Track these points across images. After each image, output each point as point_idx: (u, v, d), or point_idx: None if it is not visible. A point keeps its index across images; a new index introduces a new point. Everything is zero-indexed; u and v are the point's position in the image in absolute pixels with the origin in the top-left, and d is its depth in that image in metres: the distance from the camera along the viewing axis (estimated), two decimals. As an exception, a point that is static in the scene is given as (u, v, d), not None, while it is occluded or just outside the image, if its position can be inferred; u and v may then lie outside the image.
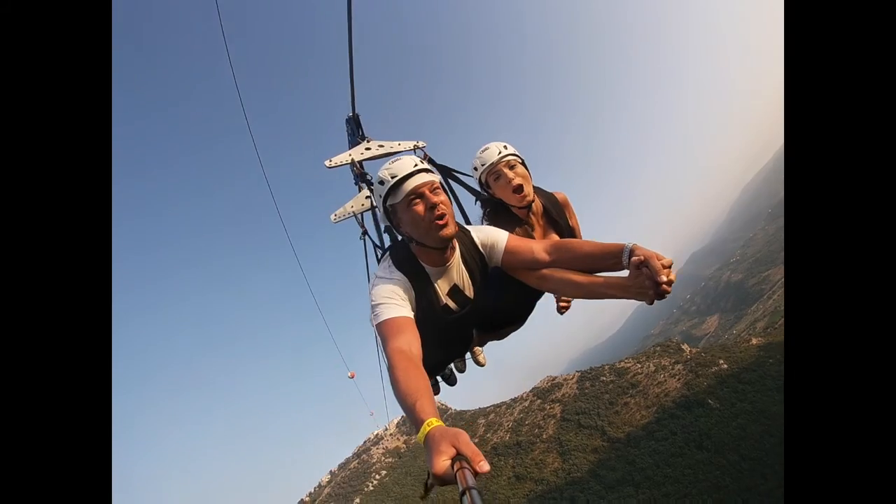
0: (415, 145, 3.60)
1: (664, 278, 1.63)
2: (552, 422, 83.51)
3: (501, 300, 2.44)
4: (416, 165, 1.99)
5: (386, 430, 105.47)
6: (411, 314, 1.91)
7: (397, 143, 3.61)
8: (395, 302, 1.88)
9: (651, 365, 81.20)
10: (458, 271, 2.17)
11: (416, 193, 1.94)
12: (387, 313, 1.83)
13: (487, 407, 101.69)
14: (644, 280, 1.70)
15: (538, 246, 2.11)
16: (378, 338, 1.88)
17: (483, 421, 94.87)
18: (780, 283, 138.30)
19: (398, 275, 1.99)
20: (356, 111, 3.59)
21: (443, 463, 1.09)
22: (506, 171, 2.55)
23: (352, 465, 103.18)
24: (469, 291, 2.22)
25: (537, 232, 2.73)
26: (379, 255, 2.62)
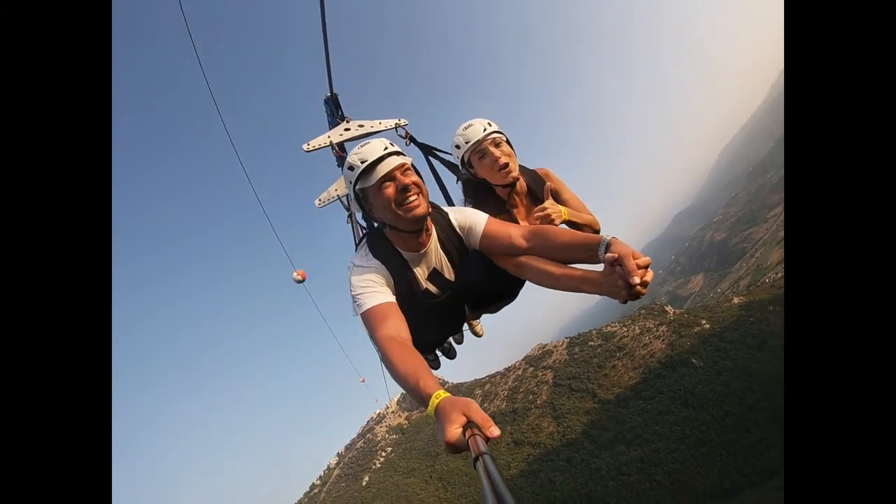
0: (396, 123, 3.46)
1: (637, 280, 1.50)
2: (545, 388, 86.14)
3: (491, 278, 2.35)
4: (385, 149, 1.94)
5: (387, 408, 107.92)
6: (393, 299, 1.89)
7: (378, 121, 3.46)
8: (375, 289, 1.86)
9: (636, 328, 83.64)
10: (436, 255, 2.13)
11: (388, 177, 1.90)
12: (369, 302, 1.82)
13: (483, 378, 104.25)
14: (617, 279, 1.59)
15: (516, 231, 2.05)
16: (364, 327, 1.88)
17: (479, 392, 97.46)
18: (762, 240, 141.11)
19: (375, 262, 1.96)
20: (334, 91, 3.46)
21: (454, 431, 1.10)
22: (491, 149, 2.43)
23: (358, 446, 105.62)
24: (449, 274, 2.18)
25: (521, 212, 2.64)
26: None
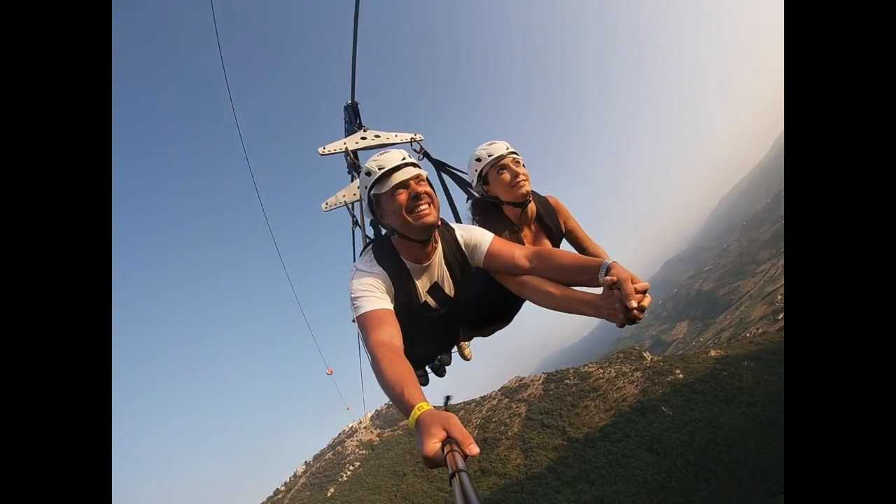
0: (412, 138, 3.49)
1: (634, 304, 1.51)
2: (517, 420, 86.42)
3: (489, 299, 2.41)
4: (403, 158, 1.98)
5: (360, 423, 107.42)
6: (391, 306, 1.88)
7: (394, 134, 3.49)
8: (375, 295, 1.85)
9: (612, 370, 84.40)
10: (439, 269, 2.13)
11: (402, 185, 1.93)
12: (367, 306, 1.81)
13: (458, 404, 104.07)
14: (615, 302, 1.60)
15: (520, 252, 2.07)
16: (358, 331, 1.88)
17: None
18: (749, 294, 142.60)
19: (378, 268, 1.96)
20: (355, 99, 3.47)
21: (433, 445, 1.08)
22: (512, 166, 2.52)
23: (327, 456, 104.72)
24: (449, 289, 2.18)
25: (528, 236, 2.67)
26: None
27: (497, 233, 2.29)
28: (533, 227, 2.71)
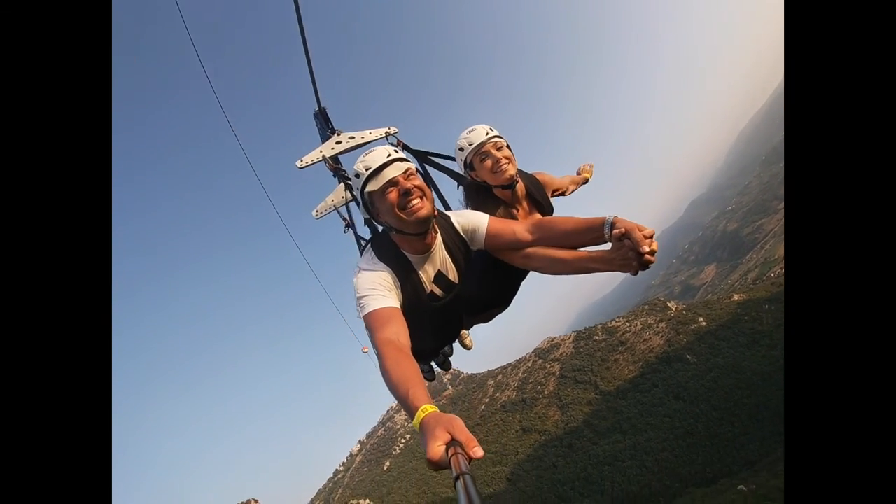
0: (386, 132, 3.42)
1: (646, 248, 1.55)
2: (552, 379, 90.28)
3: (486, 284, 2.41)
4: (389, 155, 1.96)
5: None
6: (397, 304, 1.86)
7: (368, 131, 3.42)
8: (380, 292, 1.84)
9: (638, 323, 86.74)
10: (441, 257, 2.11)
11: (391, 182, 1.91)
12: (372, 304, 1.79)
13: (496, 369, 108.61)
14: (626, 252, 1.63)
15: (519, 226, 2.06)
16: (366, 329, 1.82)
17: (492, 382, 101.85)
18: (773, 232, 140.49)
19: (381, 265, 1.94)
20: (322, 104, 3.42)
21: (437, 448, 1.06)
22: (493, 151, 2.47)
23: (379, 433, 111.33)
24: (453, 276, 2.16)
25: (521, 214, 2.65)
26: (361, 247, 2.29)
27: (491, 213, 2.30)
28: (524, 205, 2.69)
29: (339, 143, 3.36)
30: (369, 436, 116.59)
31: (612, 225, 1.74)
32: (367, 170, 1.94)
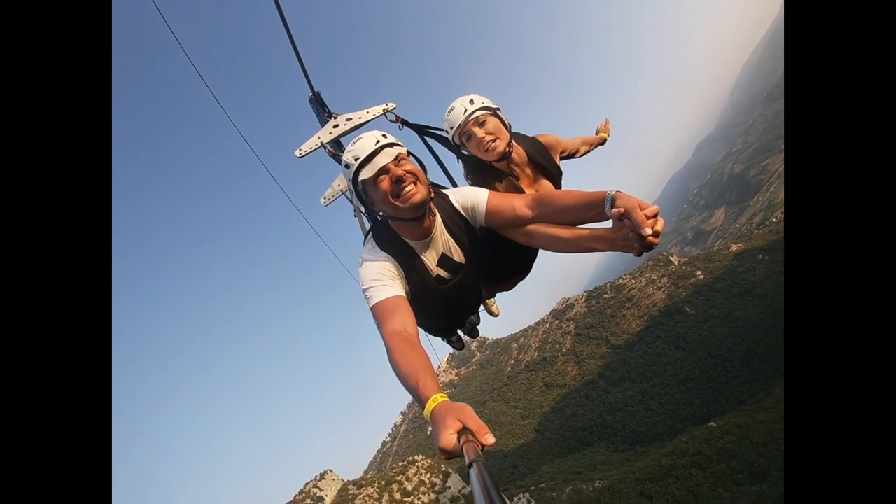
0: (384, 109, 3.15)
1: (648, 230, 1.38)
2: (569, 337, 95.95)
3: (503, 254, 2.25)
4: (377, 142, 1.83)
5: (439, 367, 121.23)
6: (402, 292, 1.79)
7: (366, 111, 3.17)
8: (384, 282, 1.77)
9: (643, 279, 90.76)
10: (443, 239, 2.00)
11: (382, 170, 1.80)
12: (377, 296, 1.73)
13: (518, 332, 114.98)
14: (628, 232, 1.46)
15: (519, 202, 1.92)
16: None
17: (515, 345, 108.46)
18: (778, 172, 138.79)
19: (382, 255, 1.86)
20: (315, 89, 3.19)
21: (449, 437, 1.04)
22: (475, 129, 2.24)
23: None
24: (458, 257, 2.05)
25: (525, 181, 2.46)
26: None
27: (492, 186, 2.21)
28: (528, 171, 2.49)
29: (336, 126, 3.16)
30: (410, 406, 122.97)
31: (613, 201, 1.54)
32: (356, 160, 1.82)
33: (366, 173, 1.81)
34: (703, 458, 42.92)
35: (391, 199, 1.81)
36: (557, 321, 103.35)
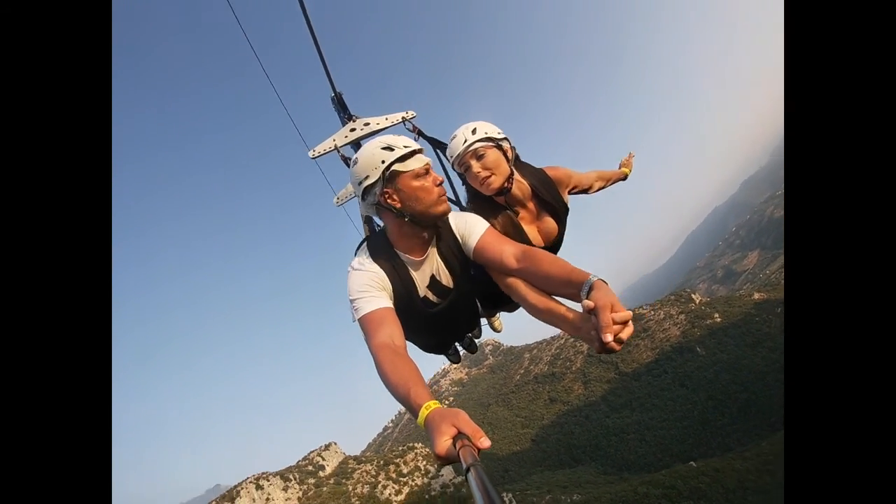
0: (402, 117, 3.11)
1: (609, 337, 1.25)
2: (580, 357, 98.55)
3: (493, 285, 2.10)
4: (418, 144, 1.77)
5: (452, 365, 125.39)
6: (390, 303, 1.72)
7: (384, 118, 3.12)
8: (372, 294, 1.70)
9: (662, 313, 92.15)
10: (434, 261, 1.92)
11: (425, 168, 1.74)
12: (365, 307, 1.66)
13: (532, 343, 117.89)
14: (591, 329, 1.34)
15: (509, 250, 1.81)
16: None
17: (528, 355, 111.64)
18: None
19: (374, 266, 1.78)
20: (338, 89, 3.14)
21: (444, 443, 1.02)
22: (472, 162, 2.07)
23: None
24: (447, 281, 1.96)
25: (526, 217, 2.29)
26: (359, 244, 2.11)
27: (490, 218, 2.06)
28: (531, 206, 2.29)
29: (353, 130, 3.10)
30: None
31: (590, 290, 1.41)
32: (405, 147, 1.70)
33: (412, 163, 1.70)
34: (675, 492, 45.83)
35: (432, 196, 1.73)
36: (572, 339, 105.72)
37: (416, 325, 1.98)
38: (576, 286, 1.50)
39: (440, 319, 2.05)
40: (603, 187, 2.71)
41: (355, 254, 1.93)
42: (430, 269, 1.93)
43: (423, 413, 1.16)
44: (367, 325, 1.64)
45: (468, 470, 0.86)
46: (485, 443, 1.01)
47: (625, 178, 2.85)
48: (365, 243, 1.93)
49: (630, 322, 1.30)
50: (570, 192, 2.46)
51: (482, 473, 0.83)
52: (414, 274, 1.88)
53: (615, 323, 1.28)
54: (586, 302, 1.37)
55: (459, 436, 1.03)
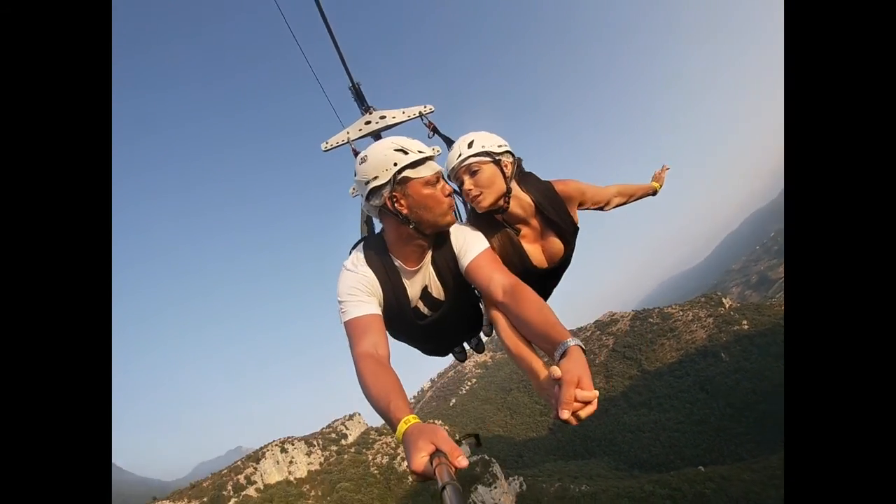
0: (420, 112, 2.98)
1: (566, 414, 1.19)
2: (605, 351, 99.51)
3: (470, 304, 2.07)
4: (433, 151, 1.72)
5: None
6: (378, 310, 1.69)
7: (401, 111, 3.01)
8: (360, 298, 1.67)
9: (690, 314, 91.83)
10: (427, 271, 1.87)
11: (437, 176, 1.69)
12: (351, 312, 1.64)
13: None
14: (553, 397, 1.28)
15: (499, 279, 1.71)
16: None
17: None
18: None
19: (367, 270, 1.74)
20: (355, 81, 3.04)
21: (421, 459, 1.01)
22: (465, 178, 1.94)
23: (449, 375, 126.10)
24: (438, 293, 1.91)
25: (528, 235, 2.13)
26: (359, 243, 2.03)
27: (488, 235, 1.94)
28: (535, 223, 2.12)
29: (367, 123, 3.02)
30: (440, 375, 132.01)
31: (563, 355, 1.31)
32: (419, 152, 1.65)
33: (424, 170, 1.66)
34: (679, 494, 47.80)
35: (442, 205, 1.69)
36: (599, 332, 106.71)
37: (408, 332, 1.99)
38: (551, 344, 1.41)
39: (431, 331, 2.01)
40: (623, 203, 2.48)
41: (350, 252, 1.87)
42: (422, 279, 1.88)
43: (401, 427, 1.15)
44: (352, 330, 1.61)
45: (444, 489, 0.85)
46: (462, 462, 0.99)
47: (654, 193, 2.66)
48: (361, 244, 1.87)
49: (594, 402, 1.23)
50: (583, 209, 2.27)
51: (457, 493, 0.83)
52: (406, 283, 1.82)
53: (577, 400, 1.21)
54: (554, 369, 1.29)
55: (437, 453, 1.01)
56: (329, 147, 3.01)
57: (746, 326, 79.71)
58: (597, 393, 1.23)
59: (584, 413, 1.22)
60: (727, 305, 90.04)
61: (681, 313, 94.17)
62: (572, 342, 1.34)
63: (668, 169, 2.74)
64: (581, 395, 1.20)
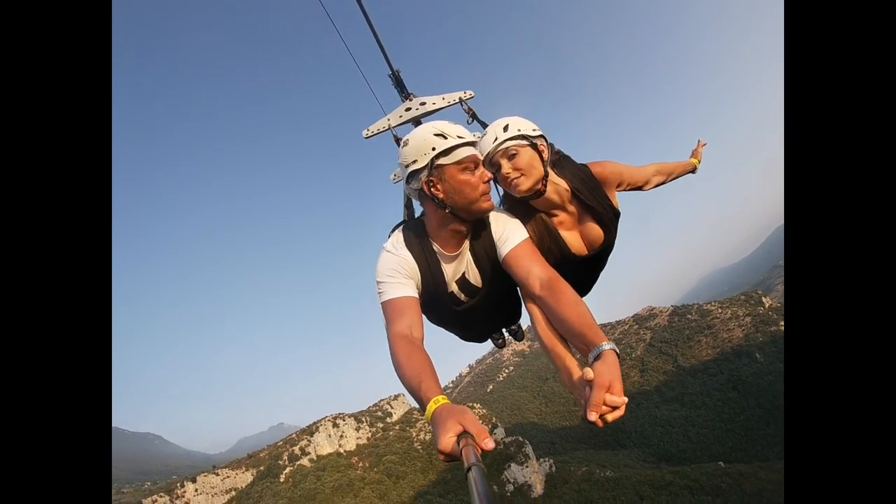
0: (460, 97, 2.94)
1: (593, 416, 1.18)
2: (642, 345, 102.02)
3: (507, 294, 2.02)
4: (472, 136, 1.71)
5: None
6: (415, 293, 1.69)
7: (441, 97, 2.98)
8: (399, 280, 1.68)
9: (729, 312, 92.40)
10: (466, 258, 1.85)
11: (474, 162, 1.66)
12: (390, 293, 1.65)
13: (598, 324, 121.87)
14: (582, 399, 1.27)
15: (537, 272, 1.68)
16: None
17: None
18: None
19: (406, 252, 1.74)
20: (395, 67, 3.02)
21: (448, 440, 1.02)
22: (502, 161, 1.86)
23: (487, 361, 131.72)
24: (475, 280, 1.89)
25: (565, 222, 2.05)
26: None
27: (523, 220, 1.91)
28: (572, 209, 2.04)
29: (408, 109, 3.00)
30: (479, 362, 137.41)
31: (597, 358, 1.30)
32: (458, 137, 1.64)
33: (456, 155, 1.64)
34: (697, 485, 51.21)
35: (479, 194, 1.66)
36: (637, 326, 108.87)
37: (444, 317, 2.02)
38: (587, 345, 1.39)
39: (467, 317, 2.01)
40: (663, 182, 2.32)
41: (389, 234, 1.89)
42: (461, 265, 1.87)
43: (430, 407, 1.17)
44: (389, 311, 1.63)
45: (469, 469, 0.86)
46: (488, 444, 1.00)
47: (694, 170, 2.50)
48: (401, 227, 1.89)
49: (622, 407, 1.22)
50: (621, 190, 2.14)
51: (480, 476, 0.82)
52: (444, 268, 1.82)
53: (606, 404, 1.20)
54: (587, 371, 1.26)
55: (464, 434, 1.01)
56: (370, 134, 3.00)
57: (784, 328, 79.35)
58: (626, 399, 1.23)
59: (611, 417, 1.22)
60: (767, 305, 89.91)
61: (720, 311, 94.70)
62: (607, 346, 1.33)
63: (704, 144, 2.60)
64: (610, 399, 1.20)
